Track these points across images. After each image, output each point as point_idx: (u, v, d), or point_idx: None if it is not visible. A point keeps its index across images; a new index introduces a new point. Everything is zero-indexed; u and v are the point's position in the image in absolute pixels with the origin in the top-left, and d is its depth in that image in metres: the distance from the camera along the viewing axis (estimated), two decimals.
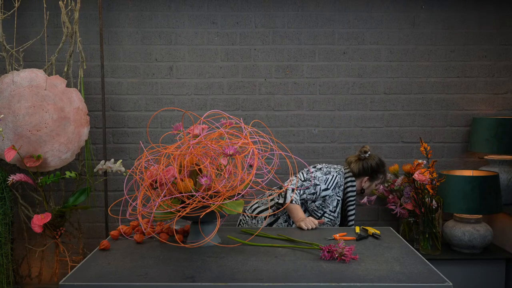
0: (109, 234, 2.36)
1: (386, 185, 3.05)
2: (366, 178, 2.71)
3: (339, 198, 2.64)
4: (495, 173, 2.85)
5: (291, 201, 2.51)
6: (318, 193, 2.57)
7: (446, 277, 1.62)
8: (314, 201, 2.59)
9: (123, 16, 3.20)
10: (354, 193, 2.69)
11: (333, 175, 2.61)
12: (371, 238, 2.10)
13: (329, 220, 2.62)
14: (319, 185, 2.57)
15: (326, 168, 2.64)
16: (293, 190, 2.54)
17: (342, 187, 2.66)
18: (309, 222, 2.30)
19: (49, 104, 2.82)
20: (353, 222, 2.73)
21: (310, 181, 2.57)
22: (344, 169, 2.71)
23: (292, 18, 3.23)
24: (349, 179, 2.68)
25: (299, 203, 2.54)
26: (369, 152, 2.72)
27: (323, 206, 2.60)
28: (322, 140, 3.29)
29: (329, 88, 3.27)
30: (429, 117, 3.30)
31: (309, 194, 2.56)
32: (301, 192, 2.56)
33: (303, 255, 1.85)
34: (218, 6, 3.21)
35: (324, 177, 2.59)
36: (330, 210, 2.61)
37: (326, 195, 2.58)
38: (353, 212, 2.70)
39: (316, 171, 2.60)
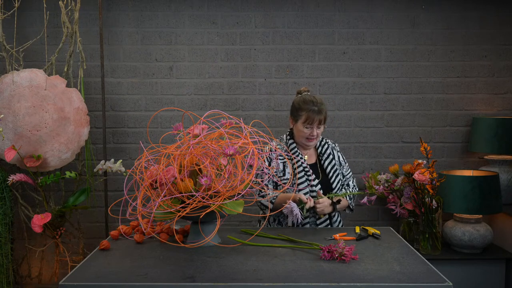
0: (109, 234, 2.36)
1: (386, 185, 3.05)
2: (291, 119, 2.53)
3: (284, 160, 2.48)
4: (495, 173, 2.85)
5: (271, 201, 2.42)
6: (272, 172, 2.43)
7: (446, 277, 1.62)
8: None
9: (123, 16, 3.20)
10: (294, 145, 2.52)
11: (266, 150, 2.46)
12: (371, 238, 2.10)
13: (285, 184, 2.43)
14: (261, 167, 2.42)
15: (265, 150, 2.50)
16: (262, 196, 2.43)
17: (281, 148, 2.51)
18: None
19: (49, 104, 2.82)
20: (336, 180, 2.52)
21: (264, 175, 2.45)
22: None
23: (292, 18, 3.23)
24: (288, 133, 2.57)
25: (275, 196, 2.41)
26: (303, 93, 2.54)
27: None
28: None
29: (329, 88, 3.27)
30: (429, 117, 3.30)
31: (271, 181, 2.45)
32: (267, 188, 2.43)
33: (303, 255, 1.85)
34: (218, 6, 3.21)
35: (263, 160, 2.43)
36: (279, 176, 2.46)
37: (276, 168, 2.46)
38: (327, 166, 2.53)
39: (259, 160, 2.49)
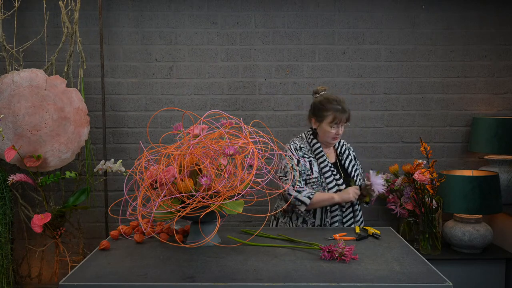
0: (109, 234, 2.36)
1: (386, 185, 3.05)
2: (313, 119, 2.54)
3: (310, 159, 2.51)
4: (495, 173, 2.85)
5: (309, 198, 2.42)
6: (300, 170, 2.47)
7: (446, 277, 1.62)
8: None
9: (123, 16, 3.20)
10: (318, 144, 2.53)
11: (287, 148, 2.52)
12: (371, 238, 2.10)
13: (313, 183, 2.48)
14: (289, 165, 2.47)
15: (287, 148, 2.54)
16: (299, 192, 2.43)
17: (305, 147, 2.53)
18: (353, 193, 2.42)
19: (49, 104, 2.82)
20: (357, 174, 2.60)
21: (288, 171, 2.47)
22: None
23: (292, 18, 3.23)
24: (310, 133, 2.58)
25: (313, 192, 2.44)
26: (321, 92, 2.56)
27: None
28: None
29: (329, 88, 3.26)
30: (429, 117, 3.30)
31: (300, 180, 2.48)
32: (300, 185, 2.46)
33: (303, 255, 1.85)
34: (218, 6, 3.21)
35: (287, 158, 2.49)
36: (307, 175, 2.49)
37: (302, 166, 2.48)
38: (350, 166, 2.60)
39: (285, 160, 2.50)
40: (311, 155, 2.53)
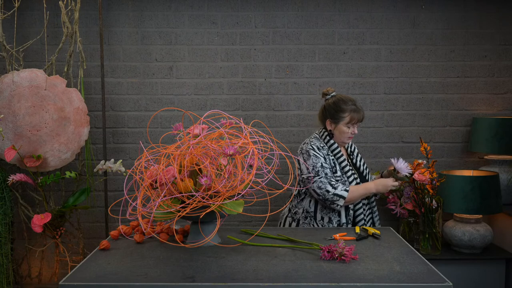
0: (109, 234, 2.36)
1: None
2: (328, 121, 2.58)
3: (332, 157, 2.56)
4: (495, 173, 2.85)
5: (346, 191, 2.46)
6: (329, 168, 2.51)
7: (446, 277, 1.62)
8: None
9: (123, 16, 3.20)
10: (336, 144, 2.58)
11: (310, 148, 2.54)
12: (371, 238, 2.10)
13: (338, 181, 2.53)
14: (319, 163, 2.50)
15: (308, 148, 2.55)
16: (335, 188, 2.46)
17: (324, 146, 2.57)
18: (388, 184, 2.49)
19: (49, 104, 2.82)
20: (367, 171, 2.70)
21: (320, 169, 2.49)
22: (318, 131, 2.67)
23: (292, 18, 3.23)
24: (323, 133, 2.62)
25: (348, 185, 2.51)
26: (331, 94, 2.60)
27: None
28: None
29: None
30: (429, 117, 3.30)
31: (332, 176, 2.52)
32: (333, 180, 2.49)
33: (303, 255, 1.85)
34: (218, 6, 3.21)
35: (314, 156, 2.51)
36: (333, 173, 2.53)
37: (328, 164, 2.53)
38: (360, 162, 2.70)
39: (312, 158, 2.51)
40: (330, 154, 2.58)
